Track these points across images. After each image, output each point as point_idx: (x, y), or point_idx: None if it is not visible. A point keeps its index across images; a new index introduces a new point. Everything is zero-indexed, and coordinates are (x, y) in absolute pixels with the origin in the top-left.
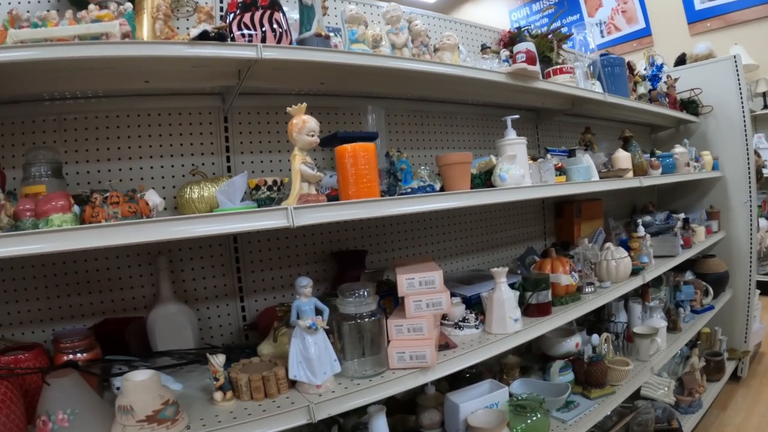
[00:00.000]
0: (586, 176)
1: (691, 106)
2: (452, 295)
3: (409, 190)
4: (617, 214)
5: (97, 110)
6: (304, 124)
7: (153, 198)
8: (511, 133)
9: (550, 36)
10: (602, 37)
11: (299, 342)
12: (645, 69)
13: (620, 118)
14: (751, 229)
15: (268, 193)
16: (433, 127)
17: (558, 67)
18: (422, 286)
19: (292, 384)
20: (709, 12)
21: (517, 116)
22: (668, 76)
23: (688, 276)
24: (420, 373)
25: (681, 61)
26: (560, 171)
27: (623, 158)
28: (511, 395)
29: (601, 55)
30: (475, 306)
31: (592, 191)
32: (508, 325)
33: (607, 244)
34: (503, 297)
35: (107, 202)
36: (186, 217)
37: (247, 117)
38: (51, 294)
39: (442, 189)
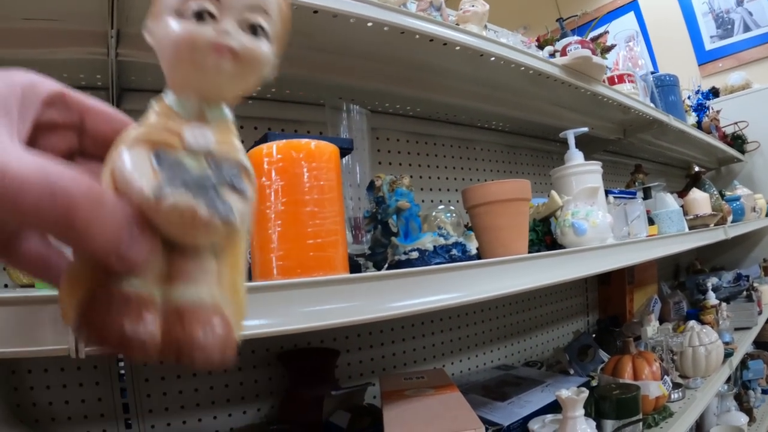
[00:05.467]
0: (680, 225)
1: (736, 142)
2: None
3: (415, 254)
4: (661, 276)
5: None
6: None
7: None
8: (577, 156)
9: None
10: None
11: None
12: (689, 98)
13: (652, 157)
14: None
15: None
16: (440, 160)
17: (618, 73)
18: None
19: None
20: (720, 52)
21: (586, 129)
22: (711, 108)
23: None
24: None
25: (714, 94)
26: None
27: (702, 200)
28: None
29: (651, 73)
30: None
31: (689, 248)
32: None
33: (690, 323)
34: None
35: None
36: None
37: None
38: None
39: (477, 253)
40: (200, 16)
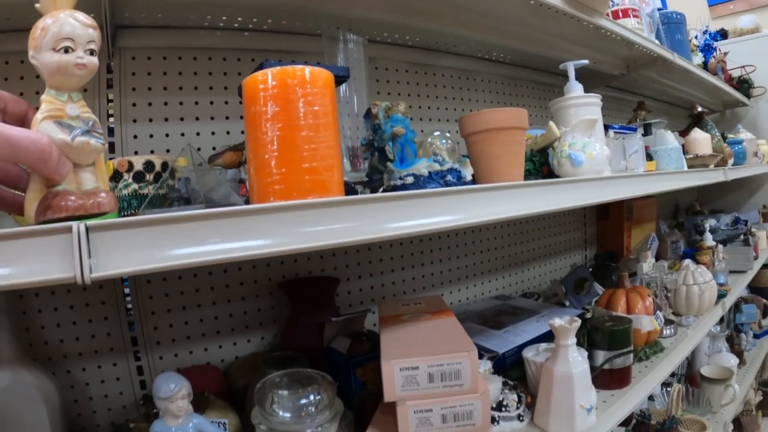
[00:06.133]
0: (678, 163)
1: (742, 86)
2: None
3: (410, 179)
4: (660, 215)
5: None
6: (46, 30)
7: None
8: (577, 88)
9: None
10: None
11: None
12: (696, 38)
13: (656, 95)
14: None
15: (135, 185)
16: (440, 90)
17: (622, 8)
18: (435, 384)
19: None
20: None
21: (586, 61)
22: (718, 50)
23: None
24: None
25: (723, 36)
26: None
27: (703, 141)
28: None
29: (658, 9)
30: (512, 368)
31: (686, 186)
32: (577, 419)
33: (685, 262)
34: (572, 372)
35: None
36: None
37: (143, 65)
38: None
39: (473, 179)
40: (66, 50)
